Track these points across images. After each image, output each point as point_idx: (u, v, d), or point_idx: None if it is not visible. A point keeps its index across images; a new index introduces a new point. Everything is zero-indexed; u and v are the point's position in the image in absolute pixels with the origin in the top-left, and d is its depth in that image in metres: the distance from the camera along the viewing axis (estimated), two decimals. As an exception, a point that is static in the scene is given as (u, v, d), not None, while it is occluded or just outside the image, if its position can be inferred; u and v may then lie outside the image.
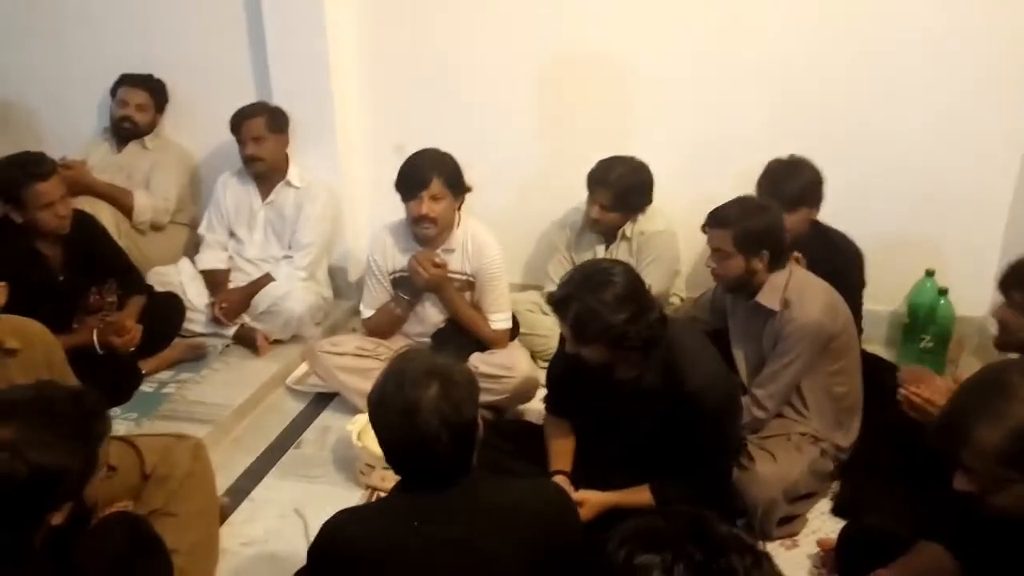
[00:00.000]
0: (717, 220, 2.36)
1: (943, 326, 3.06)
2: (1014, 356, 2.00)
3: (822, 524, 2.34)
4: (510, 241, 3.45)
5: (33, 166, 2.75)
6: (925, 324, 3.09)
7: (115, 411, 2.83)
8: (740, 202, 2.38)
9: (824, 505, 2.40)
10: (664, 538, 1.06)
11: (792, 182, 2.71)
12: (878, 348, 3.24)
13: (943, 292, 3.06)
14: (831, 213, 2.87)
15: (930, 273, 3.15)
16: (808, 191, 2.73)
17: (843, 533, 2.04)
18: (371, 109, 3.59)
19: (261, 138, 3.29)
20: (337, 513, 1.58)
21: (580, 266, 2.12)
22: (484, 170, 3.31)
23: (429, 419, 1.43)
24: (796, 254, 2.63)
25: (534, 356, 3.13)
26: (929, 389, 1.95)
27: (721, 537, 1.06)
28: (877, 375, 2.66)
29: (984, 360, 3.13)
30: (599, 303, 1.93)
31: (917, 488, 2.01)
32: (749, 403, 2.38)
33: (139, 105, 3.58)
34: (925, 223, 3.23)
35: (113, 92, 3.62)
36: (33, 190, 2.70)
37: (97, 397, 1.67)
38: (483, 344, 2.91)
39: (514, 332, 3.08)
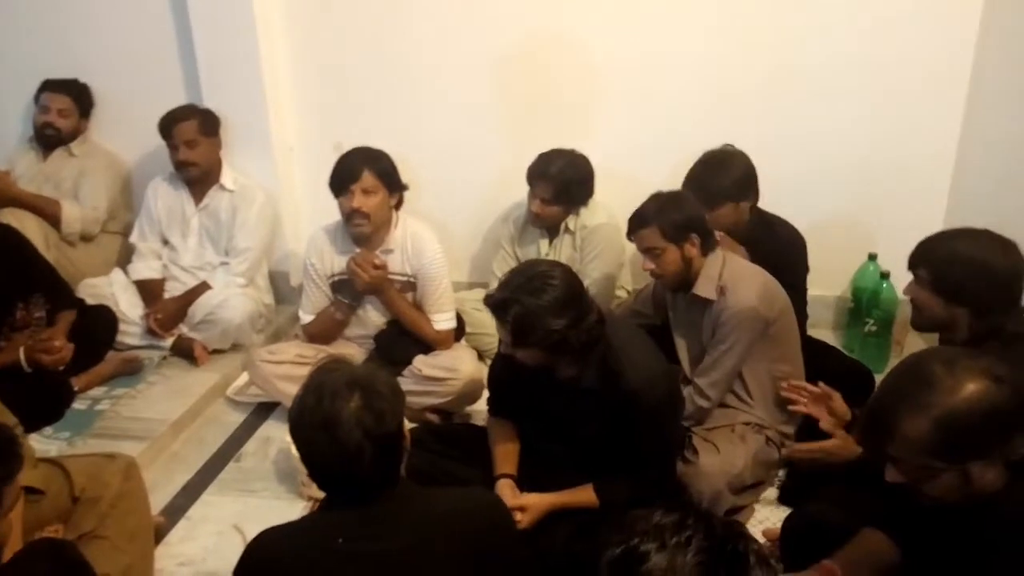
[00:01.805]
0: (640, 221, 2.37)
1: (887, 309, 3.08)
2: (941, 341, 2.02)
3: (770, 513, 2.34)
4: (455, 239, 3.42)
5: None
6: (869, 308, 3.11)
7: (47, 431, 2.74)
8: (654, 199, 2.38)
9: (771, 494, 2.41)
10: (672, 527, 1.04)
11: (717, 178, 2.66)
12: (825, 333, 3.27)
13: (885, 275, 3.08)
14: (772, 201, 2.86)
15: (872, 257, 3.18)
16: (733, 187, 2.67)
17: (786, 523, 2.03)
18: (307, 107, 3.51)
19: (193, 142, 3.20)
20: (262, 532, 1.51)
21: (519, 268, 2.08)
22: (427, 167, 3.28)
23: (351, 432, 1.37)
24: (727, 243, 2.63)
25: (482, 355, 3.10)
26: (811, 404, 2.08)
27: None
28: (821, 360, 2.67)
29: (929, 342, 3.16)
30: (539, 308, 1.89)
31: (859, 474, 2.02)
32: (692, 393, 2.38)
33: (61, 111, 3.46)
34: (866, 207, 3.26)
35: (36, 98, 3.50)
36: None
37: (11, 436, 1.59)
38: (427, 346, 2.85)
39: (460, 332, 3.04)
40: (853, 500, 1.93)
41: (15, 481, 1.58)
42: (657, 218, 2.32)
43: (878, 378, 2.61)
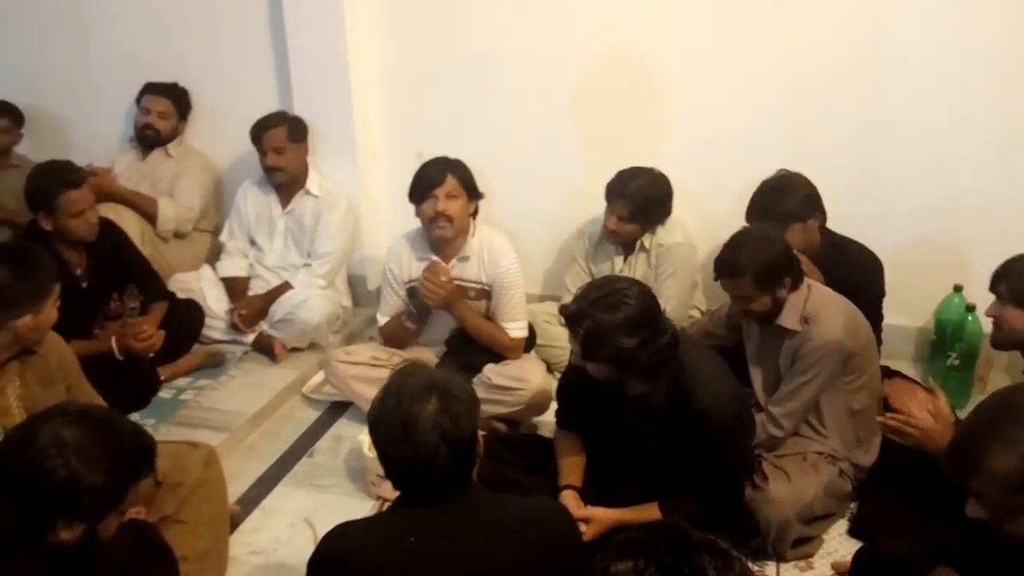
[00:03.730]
0: (731, 271, 2.28)
1: (971, 343, 2.98)
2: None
3: (839, 546, 2.29)
4: (529, 252, 3.46)
5: (65, 174, 2.81)
6: (952, 341, 3.02)
7: (133, 416, 2.86)
8: (743, 243, 2.29)
9: (841, 526, 2.35)
10: (639, 546, 1.09)
11: (782, 201, 2.64)
12: (904, 365, 3.17)
13: (971, 308, 2.98)
14: (858, 227, 2.82)
15: (958, 288, 3.08)
16: (799, 207, 2.65)
17: (857, 556, 1.99)
18: (392, 117, 3.61)
19: (281, 148, 3.32)
20: (337, 526, 1.57)
21: (597, 282, 2.09)
22: (505, 179, 3.33)
23: (428, 434, 1.42)
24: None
25: (551, 368, 3.11)
26: (913, 404, 1.96)
27: (694, 542, 1.09)
28: (899, 393, 2.61)
29: (1014, 378, 3.04)
30: (611, 325, 1.90)
31: (936, 510, 1.96)
32: (765, 421, 2.34)
33: (160, 113, 3.63)
34: (953, 237, 3.16)
35: (138, 100, 3.68)
36: (65, 198, 2.76)
37: (153, 442, 1.68)
38: (497, 354, 2.88)
39: (531, 343, 3.06)
40: (928, 535, 1.88)
41: (139, 486, 1.65)
42: (751, 268, 2.23)
43: (960, 415, 2.57)
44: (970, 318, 2.98)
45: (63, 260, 2.85)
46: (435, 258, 2.84)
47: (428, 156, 2.90)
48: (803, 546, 2.24)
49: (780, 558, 2.21)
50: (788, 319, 2.31)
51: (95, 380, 2.35)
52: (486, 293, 2.90)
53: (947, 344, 3.05)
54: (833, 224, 2.82)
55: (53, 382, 2.16)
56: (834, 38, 3.06)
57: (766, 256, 2.25)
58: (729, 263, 2.29)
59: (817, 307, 2.31)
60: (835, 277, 2.56)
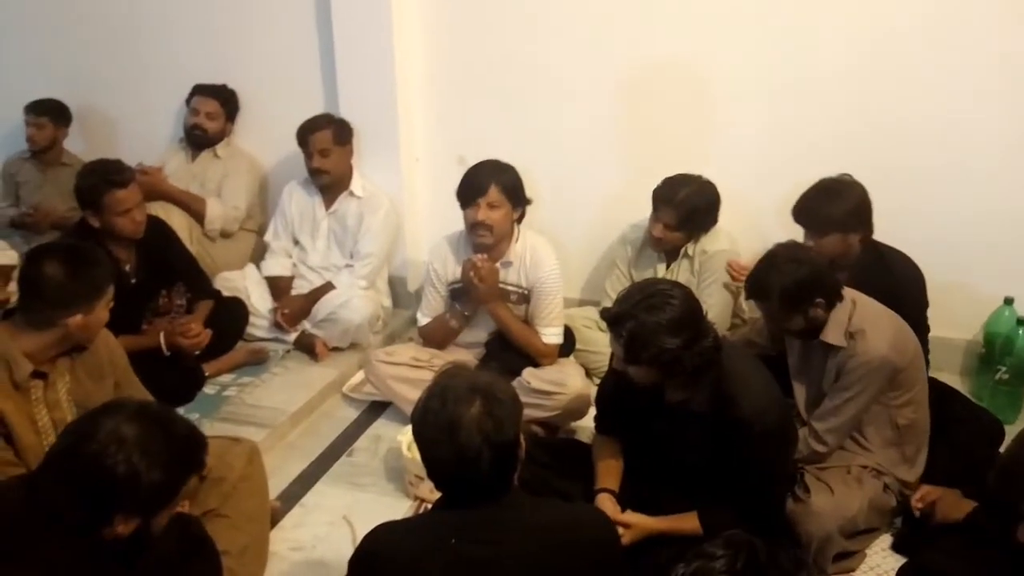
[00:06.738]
0: (758, 293, 2.28)
1: (1021, 357, 2.91)
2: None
3: (882, 561, 2.25)
4: (569, 256, 3.45)
5: (112, 174, 2.85)
6: (1002, 355, 2.95)
7: (178, 411, 2.92)
8: (771, 265, 2.26)
9: (885, 541, 2.31)
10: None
11: (827, 207, 2.58)
12: (952, 378, 3.11)
13: (1022, 321, 2.92)
14: (904, 238, 2.77)
15: (1009, 301, 3.02)
16: (843, 217, 2.58)
17: (901, 572, 1.96)
18: (436, 121, 3.63)
19: (327, 150, 3.36)
20: (378, 526, 1.59)
21: (640, 284, 2.08)
22: (546, 183, 3.33)
23: (471, 436, 1.43)
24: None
25: (589, 373, 3.11)
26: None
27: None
28: (947, 407, 2.56)
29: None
30: (655, 325, 1.89)
31: (983, 527, 1.92)
32: (808, 436, 2.30)
33: (209, 113, 3.69)
34: (1004, 248, 3.09)
35: (188, 101, 3.75)
36: (112, 196, 2.80)
37: (205, 439, 1.70)
38: (534, 359, 2.88)
39: (570, 347, 3.06)
40: (974, 555, 1.84)
41: (191, 483, 1.68)
42: (776, 292, 2.21)
43: (1008, 430, 2.51)
44: (1021, 331, 2.91)
45: (112, 257, 2.90)
46: (475, 255, 2.84)
47: (470, 160, 2.92)
48: (845, 560, 2.21)
49: (821, 572, 2.17)
50: (832, 335, 2.27)
51: (141, 375, 2.39)
52: (525, 297, 2.90)
53: (996, 358, 2.98)
54: (879, 230, 2.76)
55: (103, 376, 2.21)
56: (884, 43, 3.01)
57: (792, 278, 2.21)
58: (755, 285, 2.28)
59: (863, 322, 2.26)
60: (871, 287, 2.50)
